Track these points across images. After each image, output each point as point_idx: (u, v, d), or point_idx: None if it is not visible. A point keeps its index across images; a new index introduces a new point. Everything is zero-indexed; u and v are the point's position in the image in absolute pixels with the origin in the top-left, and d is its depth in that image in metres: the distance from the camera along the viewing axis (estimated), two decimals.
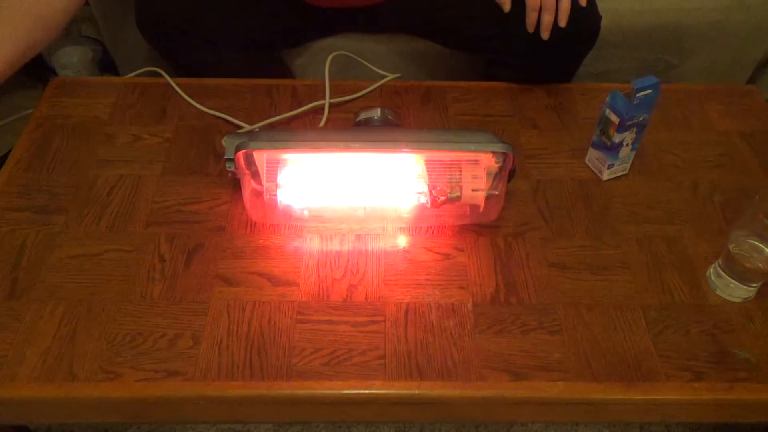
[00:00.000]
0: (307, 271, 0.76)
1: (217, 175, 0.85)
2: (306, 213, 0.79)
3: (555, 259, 0.78)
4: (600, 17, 0.95)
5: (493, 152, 0.74)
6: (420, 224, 0.81)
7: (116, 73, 1.30)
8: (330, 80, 0.96)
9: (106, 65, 1.43)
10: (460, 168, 0.76)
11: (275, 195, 0.77)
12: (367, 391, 0.66)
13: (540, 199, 0.84)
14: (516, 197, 0.84)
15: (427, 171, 0.77)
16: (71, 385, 0.66)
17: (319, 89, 0.99)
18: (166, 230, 0.79)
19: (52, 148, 0.89)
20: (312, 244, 0.79)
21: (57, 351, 0.68)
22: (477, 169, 0.76)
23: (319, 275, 0.75)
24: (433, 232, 0.80)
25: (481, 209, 0.78)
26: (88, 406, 0.67)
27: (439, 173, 0.77)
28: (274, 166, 0.76)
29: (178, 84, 0.97)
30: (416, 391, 0.66)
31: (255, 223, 0.80)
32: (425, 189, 0.77)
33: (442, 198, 0.76)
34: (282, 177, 0.76)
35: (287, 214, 0.79)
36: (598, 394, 0.67)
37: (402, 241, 0.79)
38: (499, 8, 0.89)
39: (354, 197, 0.79)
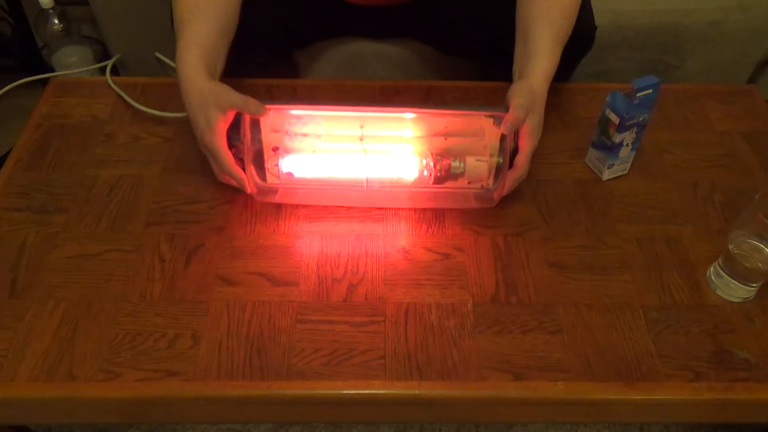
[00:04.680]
0: (307, 271, 0.76)
1: None
2: (308, 182, 0.80)
3: (555, 259, 0.78)
4: (595, 27, 0.95)
5: (493, 118, 0.75)
6: (423, 205, 0.81)
7: (116, 73, 1.30)
8: (330, 80, 0.96)
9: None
10: (465, 142, 0.77)
11: (277, 164, 0.77)
12: (367, 391, 0.66)
13: (540, 199, 0.84)
14: (516, 197, 0.84)
15: (431, 149, 0.78)
16: (71, 385, 0.65)
17: (320, 89, 0.99)
18: (166, 230, 0.79)
19: (52, 148, 0.89)
20: (312, 244, 0.79)
21: (57, 351, 0.68)
22: (480, 139, 0.76)
23: (319, 275, 0.75)
24: (433, 231, 0.80)
25: (484, 183, 0.78)
26: (88, 406, 0.67)
27: (442, 150, 0.78)
28: (277, 135, 0.77)
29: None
30: (416, 391, 0.66)
31: (255, 222, 0.80)
32: (429, 162, 0.77)
33: (446, 163, 0.77)
34: (285, 143, 0.77)
35: (288, 190, 0.79)
36: (598, 394, 0.67)
37: (402, 241, 0.79)
38: (495, 12, 0.89)
39: (356, 168, 0.78)
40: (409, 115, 0.79)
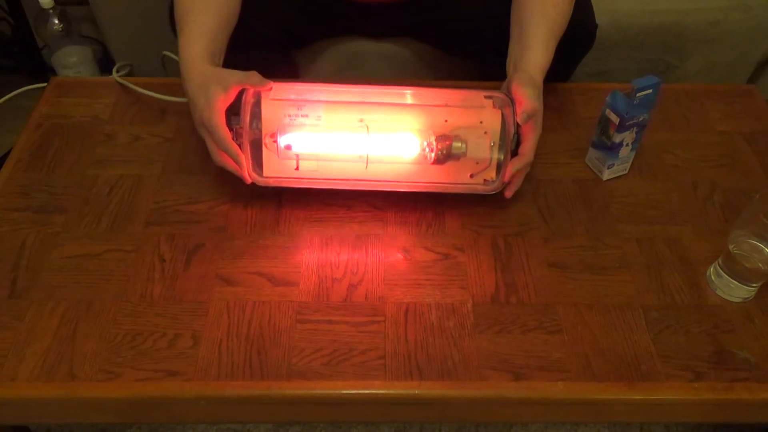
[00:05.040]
0: (307, 271, 0.76)
1: (217, 175, 0.85)
2: (309, 164, 0.79)
3: (555, 259, 0.78)
4: (596, 25, 0.96)
5: (492, 98, 0.76)
6: (425, 188, 0.81)
7: None
8: (330, 80, 0.96)
9: (106, 65, 1.43)
10: (466, 118, 0.77)
11: (275, 141, 0.76)
12: (367, 391, 0.66)
13: (540, 199, 0.84)
14: (516, 197, 0.83)
15: (432, 128, 0.78)
16: (71, 385, 0.66)
17: None
18: (166, 230, 0.79)
19: (52, 148, 0.89)
20: (312, 244, 0.78)
21: (57, 351, 0.68)
22: (481, 122, 0.76)
23: (319, 275, 0.75)
24: (433, 232, 0.80)
25: (487, 165, 0.78)
26: (88, 406, 0.67)
27: (444, 132, 0.78)
28: (278, 114, 0.76)
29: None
30: (416, 391, 0.66)
31: (255, 222, 0.80)
32: (431, 141, 0.77)
33: (447, 142, 0.77)
34: (285, 123, 0.76)
35: (285, 170, 0.79)
36: (598, 394, 0.67)
37: (402, 241, 0.79)
38: (495, 11, 0.89)
39: (357, 145, 0.78)
40: (409, 91, 0.79)
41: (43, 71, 1.41)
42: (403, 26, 1.09)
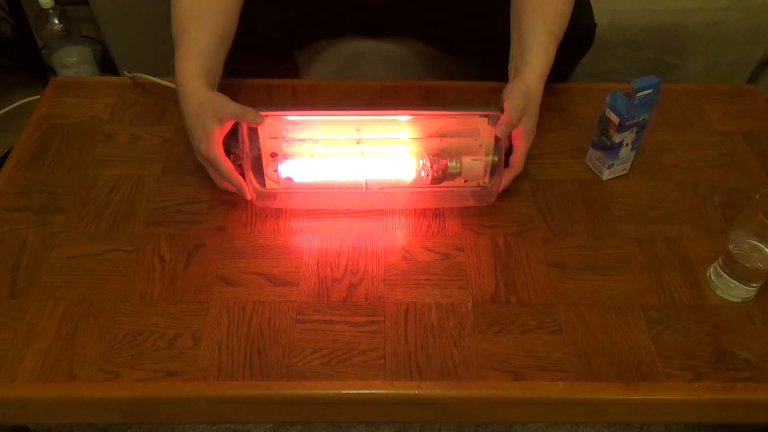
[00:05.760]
0: (307, 271, 0.76)
1: None
2: (307, 186, 0.80)
3: (555, 259, 0.78)
4: (595, 24, 0.96)
5: (488, 117, 0.76)
6: (422, 206, 0.81)
7: (116, 73, 1.30)
8: (330, 80, 0.96)
9: (106, 65, 1.43)
10: (461, 141, 0.78)
11: (275, 170, 0.77)
12: (367, 391, 0.66)
13: (540, 199, 0.84)
14: (516, 197, 0.84)
15: (428, 150, 0.78)
16: (71, 385, 0.66)
17: (320, 89, 0.99)
18: (166, 230, 0.79)
19: (51, 148, 0.89)
20: (312, 244, 0.79)
21: (57, 351, 0.68)
22: (476, 138, 0.77)
23: (319, 275, 0.75)
24: (433, 232, 0.80)
25: (481, 180, 0.79)
26: (87, 406, 0.67)
27: (439, 150, 0.78)
28: (276, 140, 0.77)
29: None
30: (416, 391, 0.66)
31: (255, 222, 0.80)
32: (426, 163, 0.78)
33: (443, 163, 0.77)
34: (283, 148, 0.77)
35: (287, 195, 0.79)
36: (598, 394, 0.67)
37: (402, 241, 0.79)
38: (495, 11, 0.89)
39: (355, 171, 0.79)
40: (404, 117, 0.79)
41: (43, 71, 1.41)
42: (403, 26, 1.09)
